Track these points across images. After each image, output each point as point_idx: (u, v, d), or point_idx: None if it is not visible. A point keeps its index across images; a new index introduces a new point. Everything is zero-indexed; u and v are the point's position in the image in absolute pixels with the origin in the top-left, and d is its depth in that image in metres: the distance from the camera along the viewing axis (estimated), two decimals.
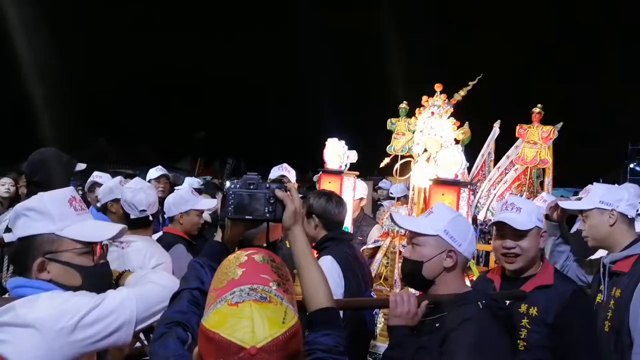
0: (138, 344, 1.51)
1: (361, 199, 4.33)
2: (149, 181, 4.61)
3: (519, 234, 2.03)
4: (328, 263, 2.27)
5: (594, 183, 2.45)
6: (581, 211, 2.39)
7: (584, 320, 1.93)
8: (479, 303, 1.61)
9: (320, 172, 3.52)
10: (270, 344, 0.86)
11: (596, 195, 2.34)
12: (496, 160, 4.06)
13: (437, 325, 1.64)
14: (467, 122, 3.65)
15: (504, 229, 2.06)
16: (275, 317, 0.89)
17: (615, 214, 2.28)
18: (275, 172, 4.00)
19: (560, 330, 1.89)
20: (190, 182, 6.25)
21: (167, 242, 2.92)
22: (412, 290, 2.02)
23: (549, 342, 1.90)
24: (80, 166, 3.16)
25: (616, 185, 2.45)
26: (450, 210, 1.82)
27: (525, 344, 1.92)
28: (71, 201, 1.45)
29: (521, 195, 3.85)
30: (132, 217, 2.73)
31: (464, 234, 1.73)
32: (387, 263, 3.29)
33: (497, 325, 1.60)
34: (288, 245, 4.11)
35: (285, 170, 4.00)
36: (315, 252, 2.60)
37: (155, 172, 5.26)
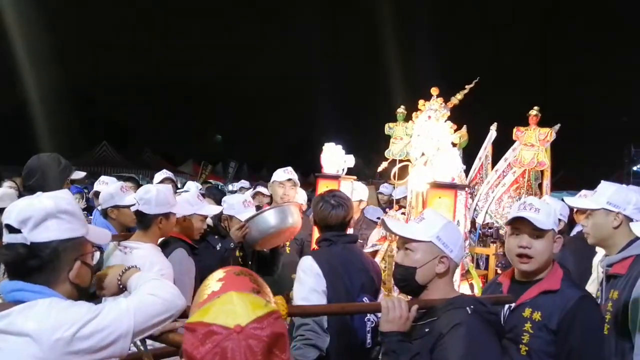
0: (133, 349, 1.51)
1: (360, 201, 4.33)
2: None
3: (536, 234, 1.98)
4: (307, 263, 2.31)
5: (602, 181, 2.42)
6: (587, 209, 2.39)
7: (587, 327, 1.88)
8: (468, 308, 1.62)
9: (317, 177, 3.53)
10: (255, 322, 0.87)
11: (604, 195, 2.32)
12: (494, 163, 4.06)
13: (427, 330, 1.66)
14: (464, 126, 3.66)
15: (520, 227, 2.01)
16: (257, 302, 0.92)
17: (621, 216, 2.26)
18: (280, 175, 3.96)
19: (562, 336, 1.86)
20: (189, 185, 6.29)
21: (169, 245, 2.92)
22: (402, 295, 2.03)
23: (552, 348, 1.87)
24: (79, 174, 3.17)
25: (625, 186, 2.42)
26: (441, 217, 1.83)
27: (527, 348, 1.90)
28: None
29: (520, 198, 3.85)
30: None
31: (455, 240, 1.76)
32: (385, 267, 3.30)
33: (486, 329, 1.62)
34: (288, 251, 4.08)
35: (291, 174, 3.97)
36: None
37: (159, 175, 5.36)
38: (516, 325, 1.95)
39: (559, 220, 3.38)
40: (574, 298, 1.91)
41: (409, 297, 1.85)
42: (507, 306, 2.03)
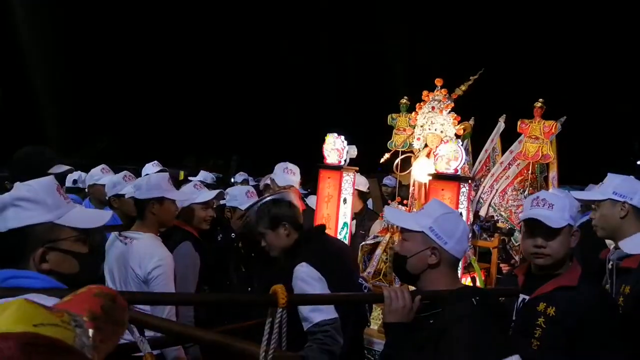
0: (128, 339, 1.49)
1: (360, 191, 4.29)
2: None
3: (551, 232, 1.91)
4: (304, 270, 2.22)
5: (608, 173, 2.39)
6: (594, 201, 2.35)
7: (605, 327, 1.83)
8: (473, 300, 1.59)
9: (319, 167, 3.50)
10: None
11: (610, 186, 2.28)
12: (501, 156, 4.02)
13: (431, 321, 1.63)
14: (472, 118, 3.61)
15: (534, 227, 1.95)
16: (36, 316, 0.67)
17: (627, 206, 2.22)
18: (280, 175, 3.76)
19: (578, 334, 1.82)
20: (205, 176, 6.26)
21: (175, 237, 2.92)
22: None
23: (564, 344, 1.83)
24: (60, 167, 3.16)
25: (631, 176, 2.38)
26: (442, 207, 1.78)
27: (538, 343, 1.86)
28: (58, 189, 1.44)
29: (524, 191, 3.81)
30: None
31: (451, 232, 1.69)
32: (387, 259, 3.28)
33: (492, 322, 1.59)
34: None
35: (290, 173, 3.78)
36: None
37: (152, 167, 5.20)
38: (529, 319, 1.91)
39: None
40: (592, 296, 1.86)
41: (412, 287, 1.83)
42: (520, 299, 1.99)
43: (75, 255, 1.40)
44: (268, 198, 3.32)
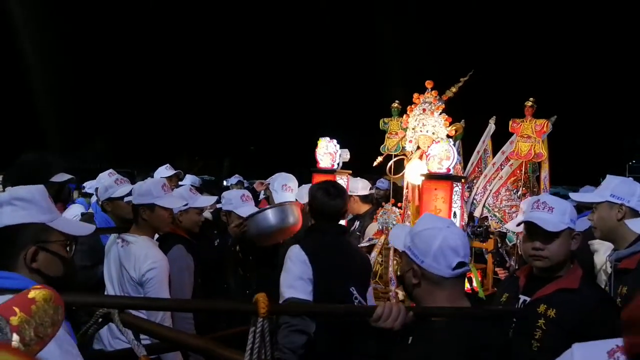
0: (127, 345, 1.49)
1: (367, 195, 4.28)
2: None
3: (550, 236, 1.91)
4: (295, 251, 2.31)
5: (607, 175, 2.40)
6: (592, 203, 2.36)
7: (610, 330, 1.72)
8: (454, 332, 1.49)
9: (313, 172, 3.50)
10: None
11: (608, 188, 2.30)
12: (493, 157, 4.05)
13: (410, 340, 1.59)
14: (463, 120, 3.64)
15: (533, 229, 1.95)
16: None
17: (625, 208, 2.23)
18: (279, 193, 3.54)
19: (582, 337, 1.78)
20: (192, 180, 6.23)
21: (168, 242, 2.90)
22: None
23: (564, 346, 1.80)
24: (63, 176, 3.15)
25: (630, 178, 2.40)
26: (424, 223, 1.64)
27: (538, 345, 1.86)
28: (48, 197, 1.49)
29: (517, 191, 3.84)
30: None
31: (424, 251, 1.55)
32: (382, 261, 3.29)
33: (472, 349, 1.47)
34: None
35: (288, 190, 3.56)
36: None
37: (165, 170, 5.23)
38: (529, 321, 1.91)
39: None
40: (594, 299, 1.86)
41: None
42: (521, 300, 1.99)
43: (61, 258, 1.44)
44: (269, 209, 3.26)
